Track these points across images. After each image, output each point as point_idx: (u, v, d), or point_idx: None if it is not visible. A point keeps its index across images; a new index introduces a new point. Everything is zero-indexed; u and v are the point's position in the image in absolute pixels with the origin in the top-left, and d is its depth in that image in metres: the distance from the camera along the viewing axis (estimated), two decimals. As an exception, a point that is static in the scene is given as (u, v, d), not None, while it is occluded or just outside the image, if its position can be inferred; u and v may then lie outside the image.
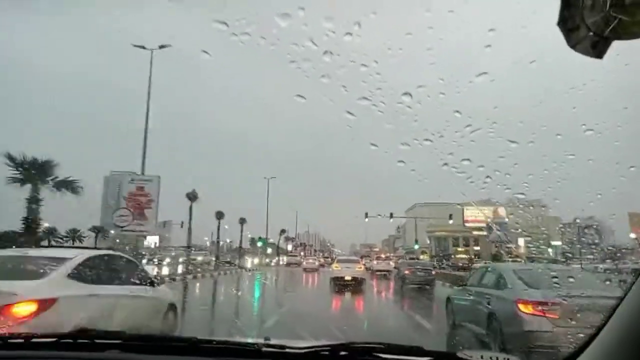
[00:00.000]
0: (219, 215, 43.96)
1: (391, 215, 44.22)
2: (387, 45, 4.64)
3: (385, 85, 4.74)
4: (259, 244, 49.00)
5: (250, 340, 1.59)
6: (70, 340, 1.48)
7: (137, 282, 5.62)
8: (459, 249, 64.63)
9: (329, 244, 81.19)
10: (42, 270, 4.42)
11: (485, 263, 22.08)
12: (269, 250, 57.94)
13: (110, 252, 6.54)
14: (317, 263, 38.80)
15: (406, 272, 18.61)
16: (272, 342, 1.52)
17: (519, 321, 5.63)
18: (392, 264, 28.61)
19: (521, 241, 58.94)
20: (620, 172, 4.22)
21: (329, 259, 47.14)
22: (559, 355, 1.23)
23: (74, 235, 56.82)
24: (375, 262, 33.59)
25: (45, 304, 3.98)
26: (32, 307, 3.91)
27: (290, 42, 4.35)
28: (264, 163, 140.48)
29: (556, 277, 5.97)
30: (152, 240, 55.15)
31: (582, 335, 1.07)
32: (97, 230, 53.42)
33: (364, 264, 23.60)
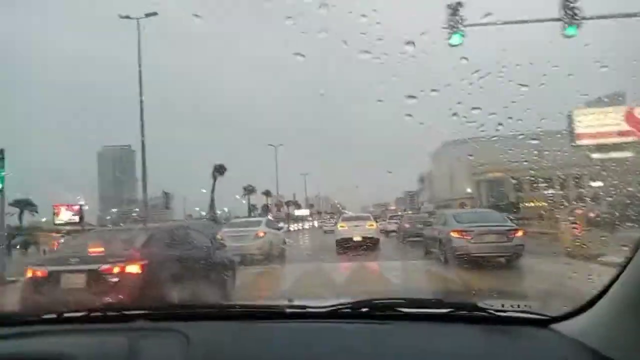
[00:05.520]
0: (218, 169, 43.44)
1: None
2: (386, -10, 4.67)
3: (387, 35, 4.91)
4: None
5: (273, 303, 1.76)
6: (100, 313, 1.65)
7: (277, 227, 18.24)
8: (543, 191, 42.04)
9: (339, 206, 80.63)
10: (257, 223, 16.04)
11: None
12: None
13: (269, 218, 24.62)
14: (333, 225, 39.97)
15: (407, 225, 21.47)
16: (295, 303, 1.65)
17: (450, 240, 10.85)
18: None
19: None
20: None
21: (332, 221, 43.90)
22: (581, 297, 1.35)
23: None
24: (387, 221, 30.30)
25: (263, 233, 14.57)
26: (262, 234, 14.50)
27: (284, -4, 4.44)
28: (266, 128, 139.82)
29: (473, 215, 13.07)
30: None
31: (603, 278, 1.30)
32: (21, 205, 52.18)
33: (378, 222, 21.75)
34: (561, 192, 40.56)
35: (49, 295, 5.89)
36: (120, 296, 5.59)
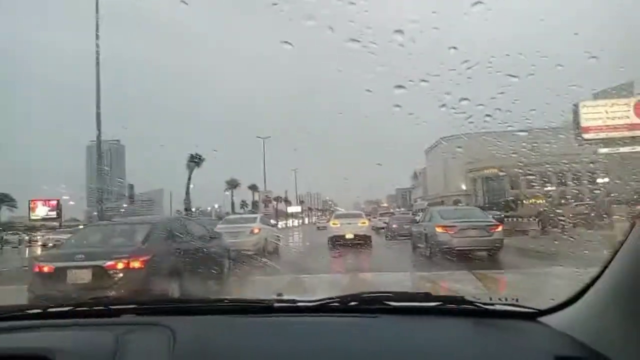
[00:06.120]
0: (194, 159, 42.08)
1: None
2: (375, -24, 4.65)
3: (375, 23, 4.89)
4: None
5: (262, 297, 1.74)
6: (86, 308, 1.65)
7: (270, 224, 18.01)
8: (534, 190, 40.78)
9: (330, 203, 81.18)
10: (252, 220, 16.02)
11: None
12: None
13: (262, 214, 23.49)
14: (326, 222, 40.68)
15: (394, 225, 22.42)
16: (284, 297, 1.67)
17: (435, 235, 11.72)
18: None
19: None
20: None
21: (324, 218, 41.57)
22: (568, 291, 1.35)
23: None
24: (378, 218, 31.07)
25: (258, 230, 14.65)
26: (257, 230, 14.55)
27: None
28: (254, 122, 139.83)
29: (457, 212, 14.17)
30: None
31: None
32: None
33: (370, 220, 21.80)
34: (561, 188, 38.63)
35: (56, 291, 6.09)
36: (123, 291, 5.96)
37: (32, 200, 41.64)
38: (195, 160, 47.83)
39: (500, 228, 12.13)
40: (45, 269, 6.54)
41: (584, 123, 30.40)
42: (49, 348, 1.32)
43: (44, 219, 40.27)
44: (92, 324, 1.54)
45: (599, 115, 30.49)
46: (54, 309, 1.64)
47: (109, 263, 6.25)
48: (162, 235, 7.34)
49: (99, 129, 20.87)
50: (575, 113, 30.05)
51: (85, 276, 6.24)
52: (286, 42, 5.69)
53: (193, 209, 48.96)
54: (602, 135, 30.32)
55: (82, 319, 1.58)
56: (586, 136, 30.59)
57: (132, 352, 1.31)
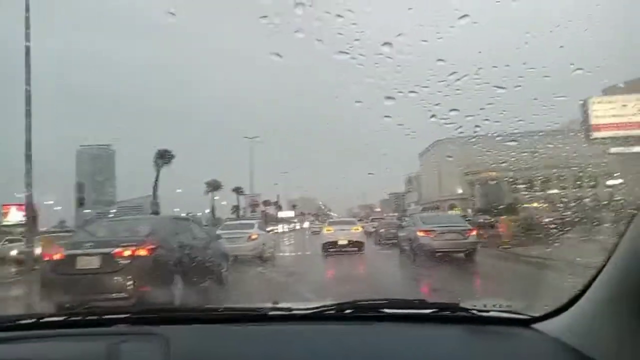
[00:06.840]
0: (162, 155, 39.09)
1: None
2: (361, -11, 4.75)
3: (363, 36, 4.98)
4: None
5: (257, 305, 1.75)
6: (80, 318, 1.66)
7: (265, 230, 17.94)
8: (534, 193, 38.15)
9: (324, 207, 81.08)
10: (250, 226, 16.55)
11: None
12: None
13: (259, 220, 23.07)
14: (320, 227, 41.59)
15: (382, 230, 24.04)
16: (279, 305, 1.69)
17: (417, 238, 13.30)
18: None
19: None
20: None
21: (318, 223, 42.09)
22: (562, 297, 1.36)
23: None
24: (369, 223, 31.77)
25: (256, 236, 15.25)
26: (255, 236, 15.14)
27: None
28: (243, 129, 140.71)
29: (438, 218, 16.02)
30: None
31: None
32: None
33: (363, 227, 21.80)
34: (561, 192, 37.32)
35: (66, 276, 6.65)
36: (129, 277, 6.51)
37: (3, 205, 39.21)
38: (163, 158, 43.63)
39: (474, 232, 13.62)
40: (56, 256, 7.04)
41: (593, 121, 28.20)
42: (41, 359, 1.32)
43: (16, 225, 35.69)
44: (86, 333, 1.54)
45: (610, 113, 28.00)
46: (47, 319, 1.64)
47: (117, 250, 6.71)
48: (166, 230, 8.04)
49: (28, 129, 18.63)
50: (584, 111, 27.90)
51: (93, 262, 6.70)
52: (276, 53, 5.75)
53: (184, 215, 48.00)
54: (614, 133, 27.85)
55: (75, 329, 1.59)
56: (597, 134, 28.43)
57: None
